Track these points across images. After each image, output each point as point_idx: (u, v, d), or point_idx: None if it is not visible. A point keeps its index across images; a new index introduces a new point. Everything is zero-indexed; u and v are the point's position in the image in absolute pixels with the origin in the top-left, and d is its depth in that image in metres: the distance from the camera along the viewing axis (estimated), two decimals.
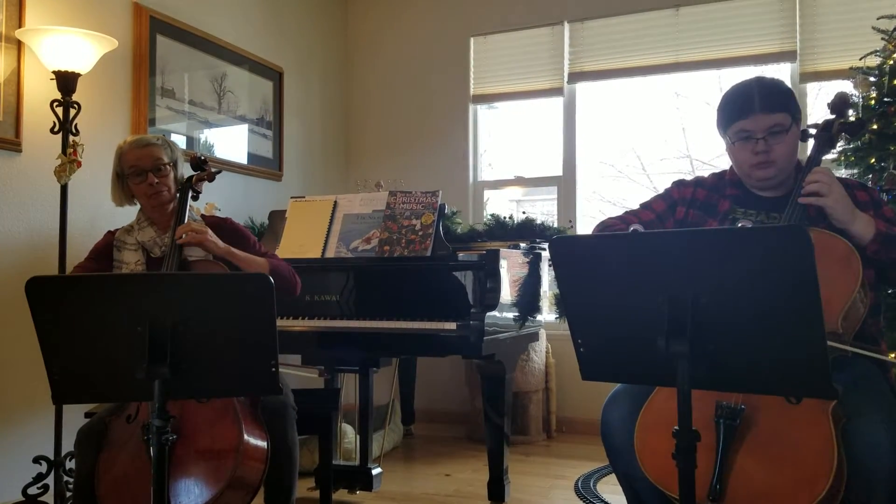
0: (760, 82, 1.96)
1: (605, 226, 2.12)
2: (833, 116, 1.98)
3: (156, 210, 2.31)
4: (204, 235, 2.18)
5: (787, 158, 1.91)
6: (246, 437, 1.94)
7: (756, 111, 1.89)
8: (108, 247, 2.33)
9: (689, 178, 2.16)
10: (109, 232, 2.39)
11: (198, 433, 1.94)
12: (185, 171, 2.42)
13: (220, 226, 2.38)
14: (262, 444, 2.00)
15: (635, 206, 2.17)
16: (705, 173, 2.18)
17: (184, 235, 2.16)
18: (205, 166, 2.40)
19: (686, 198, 2.08)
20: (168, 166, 2.30)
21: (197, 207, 3.36)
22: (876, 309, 1.85)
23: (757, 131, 1.89)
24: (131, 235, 2.31)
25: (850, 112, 1.99)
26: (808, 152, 1.95)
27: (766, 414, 1.59)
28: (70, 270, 2.41)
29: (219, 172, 2.47)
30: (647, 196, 2.21)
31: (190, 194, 2.32)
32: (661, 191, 2.18)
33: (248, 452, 1.94)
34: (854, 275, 1.66)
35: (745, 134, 1.92)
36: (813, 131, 1.99)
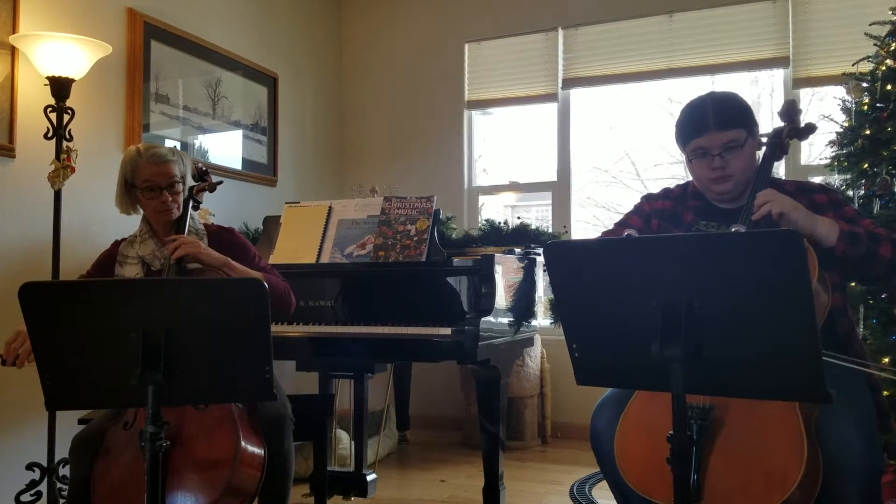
0: (714, 98, 1.99)
1: None
2: (783, 123, 2.03)
3: (160, 223, 2.30)
4: (197, 248, 2.15)
5: (744, 172, 1.94)
6: (243, 445, 1.93)
7: (710, 129, 1.92)
8: (109, 259, 2.32)
9: (656, 191, 2.19)
10: (115, 242, 2.37)
11: (195, 441, 1.93)
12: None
13: (221, 235, 2.37)
14: (259, 451, 2.00)
15: (611, 227, 2.20)
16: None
17: (177, 249, 2.13)
18: (206, 177, 2.41)
19: (657, 209, 2.12)
20: (180, 183, 2.28)
21: (205, 209, 3.37)
22: (843, 310, 1.88)
23: (713, 148, 1.92)
24: (133, 248, 2.29)
25: (801, 118, 2.04)
26: (760, 159, 1.99)
27: (734, 412, 1.61)
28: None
29: (220, 183, 2.47)
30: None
31: (191, 204, 2.32)
32: (630, 208, 2.21)
33: (244, 461, 1.93)
34: (811, 269, 1.68)
35: (702, 151, 1.95)
36: (765, 139, 2.02)
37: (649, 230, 2.10)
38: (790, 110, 2.03)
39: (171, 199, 2.24)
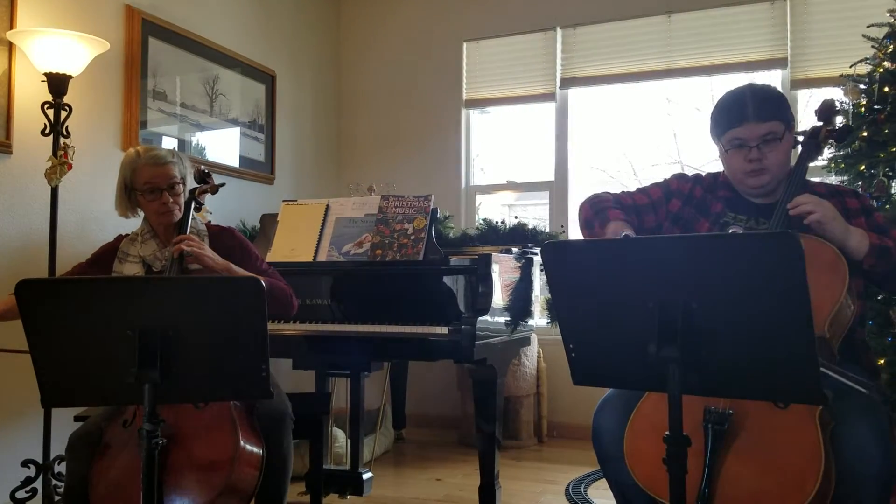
0: (753, 90, 1.96)
1: (596, 199, 2.11)
2: (820, 123, 2.00)
3: (161, 225, 2.29)
4: (202, 252, 2.15)
5: (780, 166, 1.92)
6: (242, 443, 1.94)
7: (749, 120, 1.90)
8: (110, 253, 2.31)
9: (690, 173, 2.17)
10: (119, 237, 2.37)
11: (194, 439, 1.93)
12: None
13: (222, 236, 2.36)
14: (258, 451, 2.01)
15: (632, 189, 2.17)
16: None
17: (183, 249, 2.13)
18: (208, 179, 2.42)
19: (684, 192, 2.09)
20: (181, 184, 2.27)
21: (203, 207, 3.36)
22: (863, 318, 1.87)
23: (750, 139, 1.90)
24: (134, 246, 2.29)
25: (839, 119, 2.01)
26: (795, 159, 1.97)
27: (753, 418, 1.60)
28: (68, 270, 2.39)
29: (222, 185, 2.49)
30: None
31: (192, 206, 2.32)
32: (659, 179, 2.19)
33: (244, 459, 1.94)
34: (841, 280, 1.68)
35: (739, 142, 1.92)
36: (800, 138, 2.00)
37: (664, 207, 2.07)
38: (828, 110, 1.99)
39: (171, 200, 2.24)
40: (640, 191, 2.14)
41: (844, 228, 1.78)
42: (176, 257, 2.13)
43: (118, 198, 2.30)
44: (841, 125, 2.00)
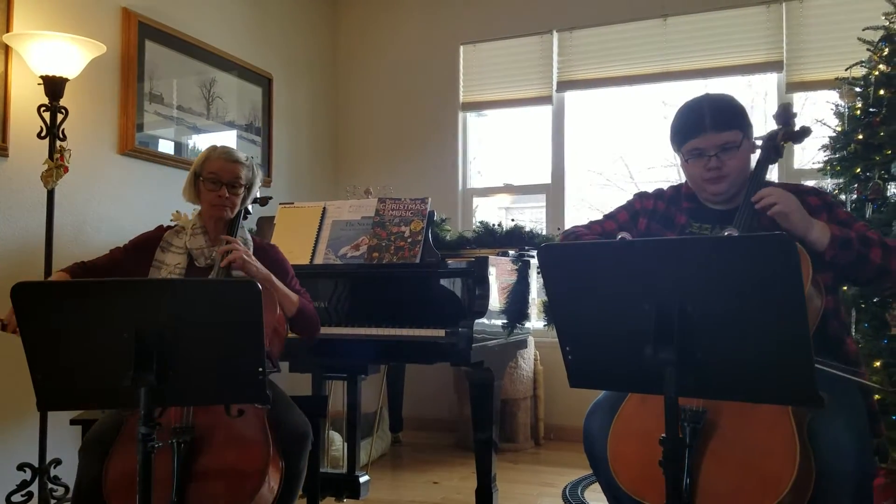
0: (710, 100, 2.00)
1: (570, 234, 2.16)
2: (779, 127, 2.03)
3: (212, 220, 2.33)
4: (248, 260, 2.20)
5: (739, 172, 1.96)
6: (273, 456, 1.97)
7: (707, 130, 1.93)
8: (152, 241, 2.33)
9: (650, 190, 2.19)
10: (160, 227, 2.40)
11: (228, 447, 1.95)
12: None
13: (265, 250, 2.40)
14: (282, 464, 2.03)
15: (599, 218, 2.20)
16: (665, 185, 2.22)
17: (229, 253, 2.17)
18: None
19: (647, 209, 2.12)
20: (242, 187, 2.33)
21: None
22: (836, 312, 1.89)
23: (708, 149, 1.93)
24: (180, 238, 2.32)
25: (796, 121, 2.05)
26: (755, 163, 1.99)
27: (727, 415, 1.61)
28: (105, 253, 2.39)
29: (270, 198, 2.56)
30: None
31: (242, 213, 2.37)
32: (622, 203, 2.21)
33: (271, 472, 1.96)
34: (805, 273, 1.69)
35: (698, 152, 1.96)
36: (760, 142, 2.03)
37: (635, 228, 2.10)
38: (785, 113, 2.04)
39: (227, 196, 2.28)
40: (609, 217, 2.17)
41: (807, 221, 1.81)
42: (223, 266, 2.17)
43: (187, 182, 2.36)
44: (798, 127, 2.03)
